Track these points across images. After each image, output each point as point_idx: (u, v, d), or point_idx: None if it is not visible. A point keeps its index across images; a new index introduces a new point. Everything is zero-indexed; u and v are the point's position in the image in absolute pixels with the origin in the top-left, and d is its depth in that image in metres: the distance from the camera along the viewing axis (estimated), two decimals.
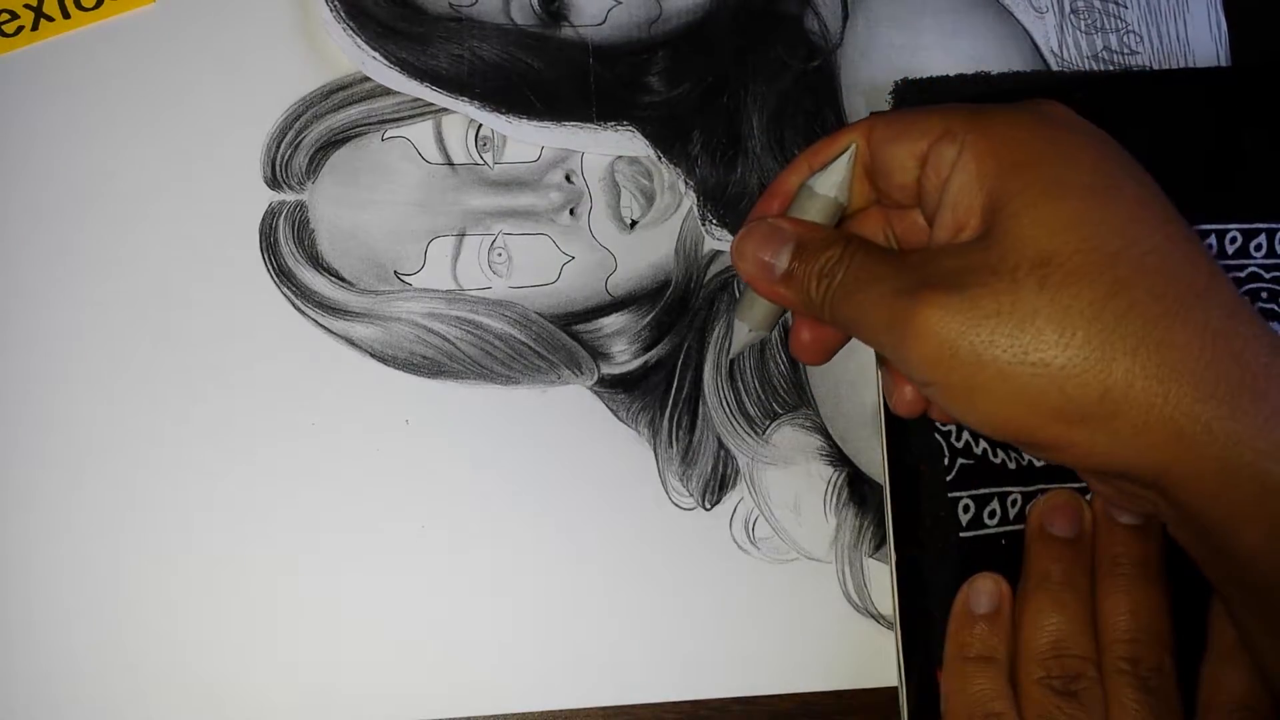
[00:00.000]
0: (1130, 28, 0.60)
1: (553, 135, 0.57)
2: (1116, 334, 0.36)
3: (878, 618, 0.54)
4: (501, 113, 0.57)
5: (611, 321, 0.56)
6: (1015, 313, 0.37)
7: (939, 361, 0.38)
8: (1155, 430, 0.37)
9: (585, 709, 0.53)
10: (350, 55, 0.56)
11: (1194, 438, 0.36)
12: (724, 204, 0.57)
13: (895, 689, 0.53)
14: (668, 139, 0.58)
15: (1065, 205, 0.38)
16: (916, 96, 0.57)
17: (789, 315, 0.50)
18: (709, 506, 0.55)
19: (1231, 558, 0.38)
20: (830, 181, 0.44)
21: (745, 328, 0.47)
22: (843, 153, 0.44)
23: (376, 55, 0.56)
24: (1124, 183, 0.39)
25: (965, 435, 0.53)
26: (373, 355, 0.55)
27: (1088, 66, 0.59)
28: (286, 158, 0.56)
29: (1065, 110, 0.41)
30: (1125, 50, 0.59)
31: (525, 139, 0.57)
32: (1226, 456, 0.36)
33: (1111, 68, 0.59)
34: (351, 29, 0.57)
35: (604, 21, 0.58)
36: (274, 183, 0.56)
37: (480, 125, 0.57)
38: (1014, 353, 0.37)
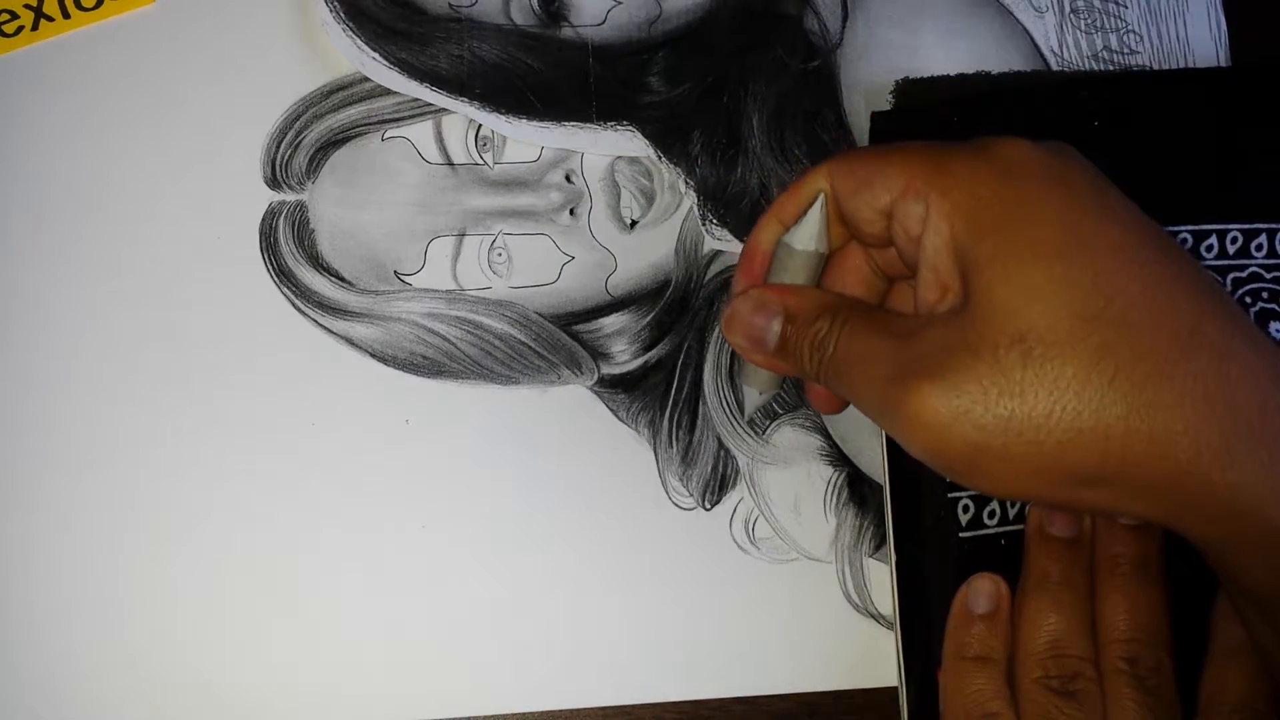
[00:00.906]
0: (1130, 27, 0.59)
1: (553, 135, 0.57)
2: (1106, 401, 0.36)
3: (878, 618, 0.54)
4: (501, 113, 0.57)
5: (611, 321, 0.56)
6: (1003, 394, 0.37)
7: (934, 450, 0.38)
8: (1158, 487, 0.37)
9: (585, 709, 0.53)
10: (350, 56, 0.56)
11: (1196, 491, 0.37)
12: (724, 204, 0.57)
13: (895, 689, 0.53)
14: (668, 139, 0.58)
15: (1036, 271, 0.37)
16: (918, 95, 0.57)
17: None
18: (709, 506, 0.55)
19: (1239, 583, 0.39)
20: (807, 236, 0.44)
21: (754, 391, 0.47)
22: (812, 204, 0.44)
23: (376, 56, 0.56)
24: (1096, 231, 0.38)
25: None
26: (373, 355, 0.55)
27: (1088, 66, 0.59)
28: (286, 158, 0.56)
29: (1025, 151, 0.40)
30: (1125, 50, 0.59)
31: (525, 139, 0.57)
32: (1227, 505, 0.36)
33: (1111, 67, 0.59)
34: (351, 29, 0.57)
35: (604, 21, 0.58)
36: (274, 183, 0.56)
37: (480, 125, 0.57)
38: (1008, 435, 0.37)
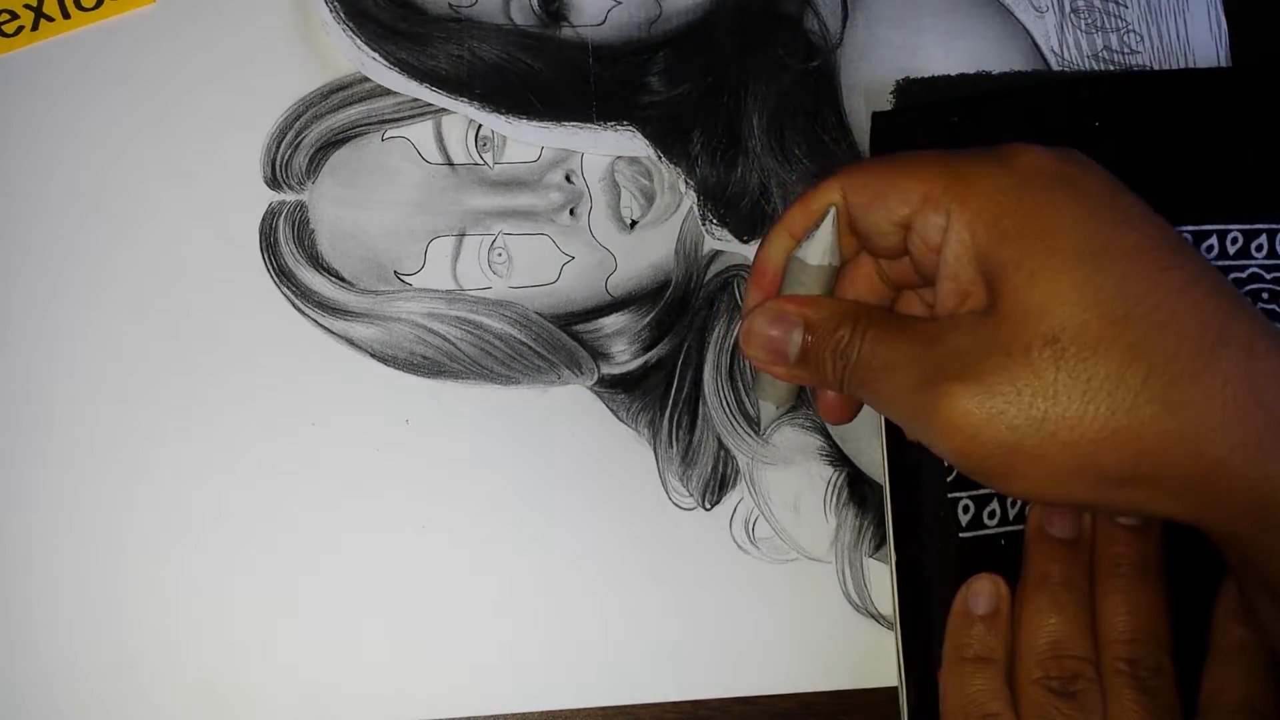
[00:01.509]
0: (1130, 27, 0.59)
1: (553, 135, 0.57)
2: (1139, 401, 0.36)
3: (878, 618, 0.54)
4: (501, 113, 0.57)
5: (611, 321, 0.56)
6: (1037, 395, 0.37)
7: (967, 453, 0.38)
8: (1190, 485, 0.37)
9: (585, 709, 0.53)
10: (350, 56, 0.56)
11: (1227, 488, 0.37)
12: (724, 204, 0.57)
13: (895, 689, 0.53)
14: (668, 139, 0.58)
15: (1064, 275, 0.38)
16: (919, 95, 0.57)
17: None
18: (709, 506, 0.55)
19: (1265, 577, 0.39)
20: (819, 251, 0.44)
21: (770, 405, 0.47)
22: (823, 218, 0.43)
23: (376, 56, 0.56)
24: (1117, 235, 0.38)
25: None
26: (373, 355, 0.55)
27: (1088, 66, 0.59)
28: (286, 158, 0.56)
29: (1042, 158, 0.40)
30: (1125, 50, 0.59)
31: (525, 139, 0.57)
32: (1258, 500, 0.37)
33: (1112, 67, 0.59)
34: (351, 29, 0.57)
35: (604, 21, 0.58)
36: (274, 183, 0.56)
37: (480, 125, 0.57)
38: (1041, 436, 0.37)
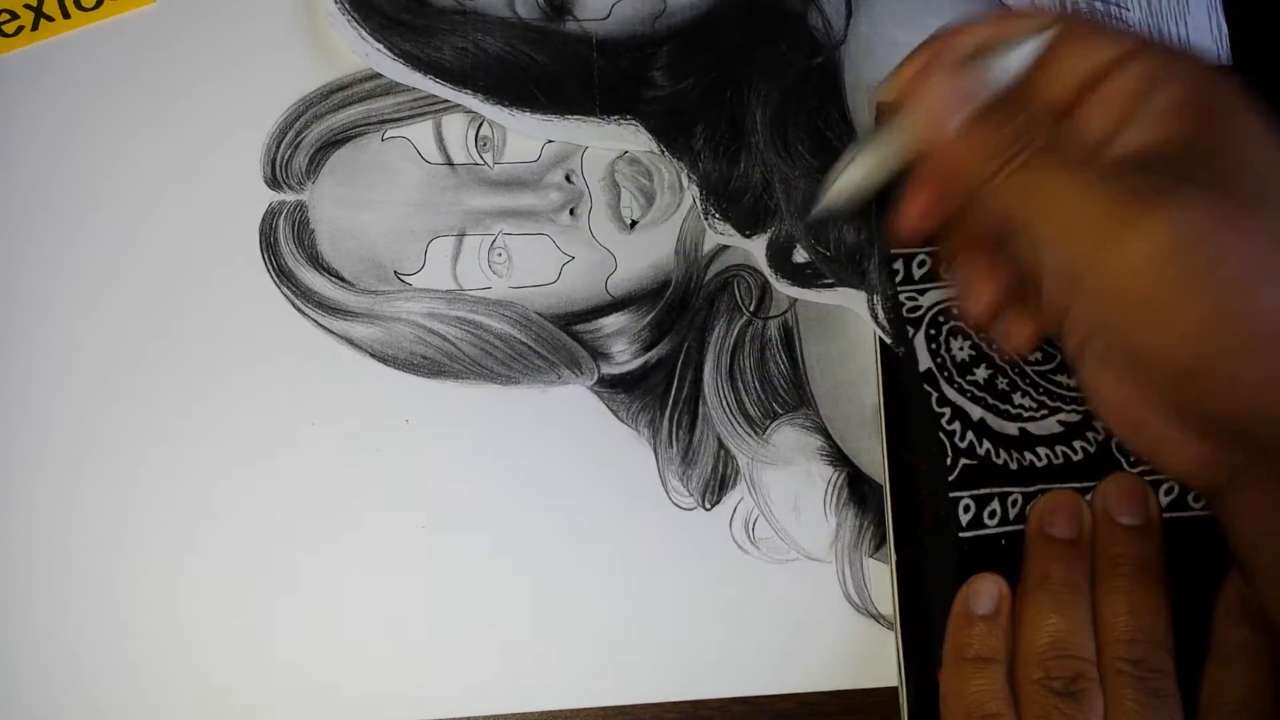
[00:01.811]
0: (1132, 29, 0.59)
1: (555, 129, 0.57)
2: None
3: (878, 618, 0.54)
4: (505, 106, 0.57)
5: (611, 321, 0.56)
6: (1233, 238, 0.36)
7: (1144, 274, 0.37)
8: None
9: (585, 709, 0.53)
10: (354, 48, 0.56)
11: None
12: (727, 199, 0.57)
13: (895, 689, 0.53)
14: (670, 133, 0.57)
15: (1274, 142, 0.38)
16: None
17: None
18: (709, 506, 0.55)
19: None
20: (1018, 60, 0.41)
21: (842, 195, 0.43)
22: (1034, 35, 0.41)
23: (380, 47, 0.56)
24: None
25: (969, 435, 0.52)
26: (373, 355, 0.55)
27: None
28: (286, 158, 0.56)
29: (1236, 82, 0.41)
30: None
31: (528, 133, 0.57)
32: None
33: None
34: (355, 19, 0.57)
35: (608, 15, 0.58)
36: (274, 183, 0.56)
37: (480, 125, 0.57)
38: (1209, 281, 0.36)
